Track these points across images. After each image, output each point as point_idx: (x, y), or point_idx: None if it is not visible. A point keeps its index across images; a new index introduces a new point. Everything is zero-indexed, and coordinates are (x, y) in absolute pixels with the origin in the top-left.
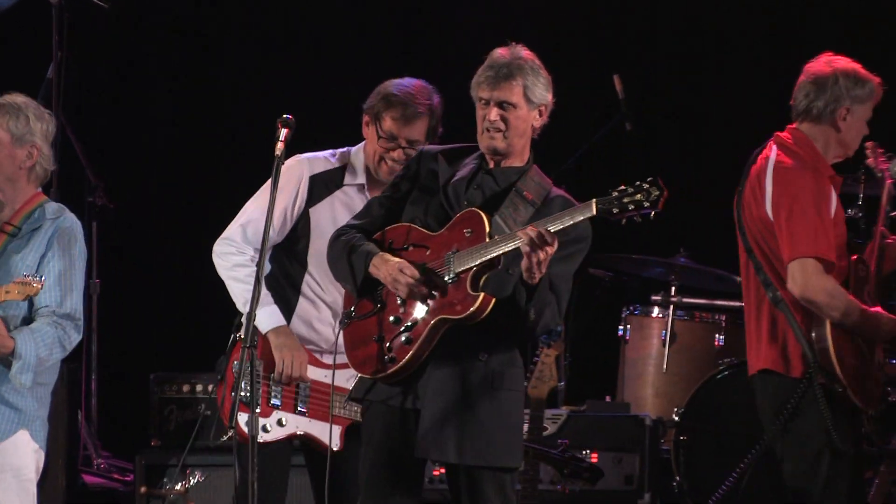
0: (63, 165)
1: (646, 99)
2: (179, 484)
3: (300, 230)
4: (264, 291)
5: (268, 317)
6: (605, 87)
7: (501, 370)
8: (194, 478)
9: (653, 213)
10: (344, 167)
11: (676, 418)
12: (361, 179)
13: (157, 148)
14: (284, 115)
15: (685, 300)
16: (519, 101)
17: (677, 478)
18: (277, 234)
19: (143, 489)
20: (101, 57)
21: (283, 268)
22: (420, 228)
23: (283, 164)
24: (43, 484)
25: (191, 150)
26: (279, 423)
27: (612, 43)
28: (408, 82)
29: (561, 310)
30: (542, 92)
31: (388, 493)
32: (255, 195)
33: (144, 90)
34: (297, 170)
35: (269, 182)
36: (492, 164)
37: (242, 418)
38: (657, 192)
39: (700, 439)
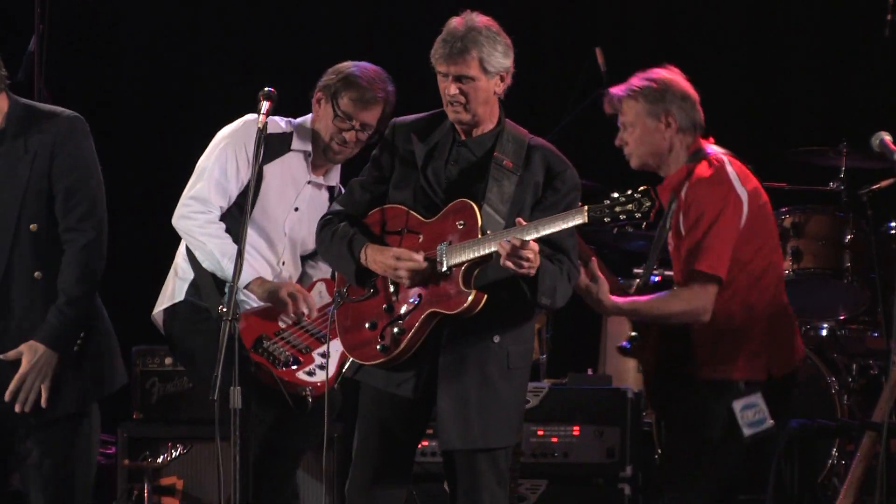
0: None
1: (628, 72)
2: (161, 457)
3: (251, 185)
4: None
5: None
6: (587, 60)
7: (513, 348)
8: (176, 451)
9: (644, 223)
10: (292, 133)
11: None
12: (308, 148)
13: (140, 122)
14: (266, 88)
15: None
16: (476, 73)
17: (659, 451)
18: (237, 190)
19: (125, 462)
20: (83, 30)
21: (229, 220)
22: (415, 214)
23: (265, 135)
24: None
25: (173, 124)
26: (321, 367)
27: (593, 15)
28: (367, 66)
29: (575, 263)
30: (500, 59)
31: (377, 474)
32: (207, 154)
33: (126, 64)
34: (254, 127)
35: (219, 138)
36: (463, 136)
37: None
38: (648, 204)
39: None
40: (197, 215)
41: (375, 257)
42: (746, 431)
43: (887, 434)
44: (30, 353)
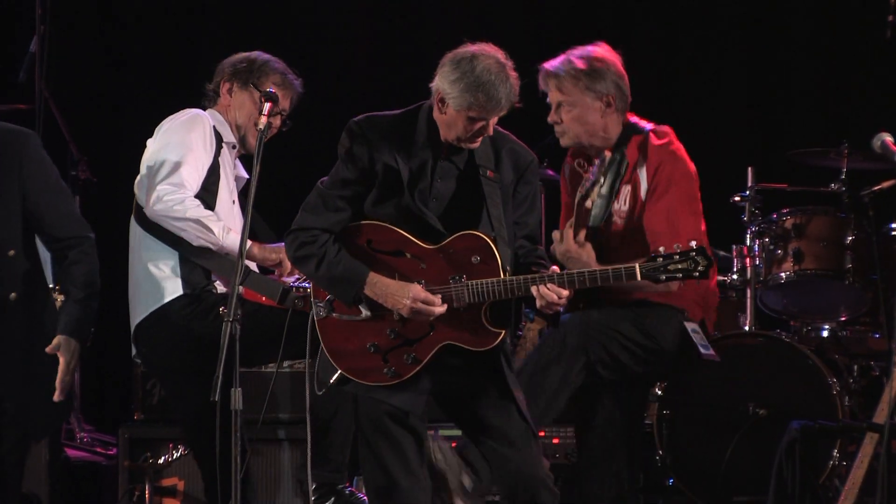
0: (46, 140)
1: (627, 70)
2: (162, 458)
3: (210, 178)
4: (222, 224)
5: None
6: None
7: (508, 348)
8: (178, 451)
9: (704, 279)
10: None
11: (659, 392)
12: (233, 140)
13: (141, 122)
14: (268, 90)
15: None
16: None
17: (660, 452)
18: (203, 178)
19: (126, 462)
20: (85, 30)
21: None
22: (411, 237)
23: (265, 138)
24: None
25: None
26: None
27: (594, 15)
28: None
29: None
30: None
31: (410, 472)
32: (170, 145)
33: (128, 64)
34: (206, 120)
35: (179, 131)
36: (445, 152)
37: None
38: (705, 263)
39: (683, 413)
40: (176, 196)
41: (386, 291)
42: (702, 351)
43: (888, 435)
44: (67, 347)
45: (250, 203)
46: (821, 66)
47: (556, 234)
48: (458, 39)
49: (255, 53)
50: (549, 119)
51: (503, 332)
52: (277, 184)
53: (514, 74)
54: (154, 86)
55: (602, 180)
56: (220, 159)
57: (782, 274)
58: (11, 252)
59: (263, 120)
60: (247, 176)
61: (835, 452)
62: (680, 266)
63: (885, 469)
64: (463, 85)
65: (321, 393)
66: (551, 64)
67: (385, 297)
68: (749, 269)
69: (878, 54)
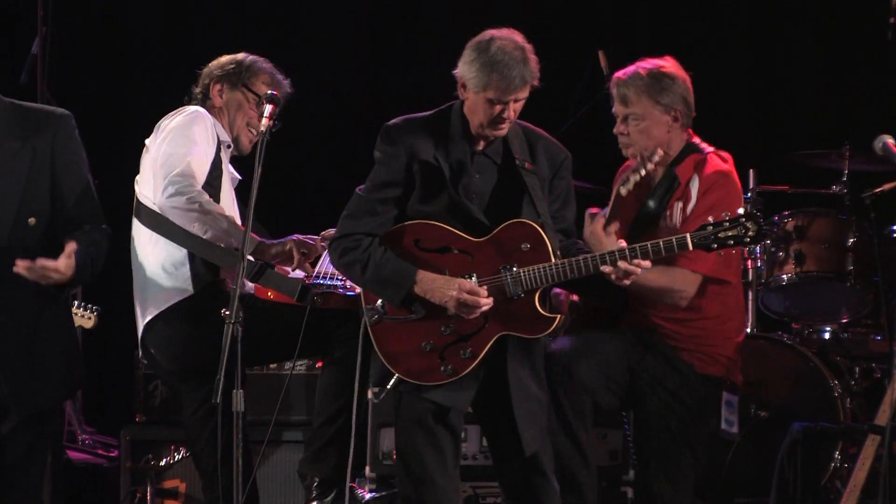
0: None
1: None
2: (164, 460)
3: (214, 173)
4: (232, 218)
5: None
6: (590, 63)
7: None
8: (179, 453)
9: (755, 245)
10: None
11: None
12: (229, 139)
13: (142, 124)
14: (269, 92)
15: None
16: (528, 92)
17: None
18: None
19: (128, 464)
20: (86, 32)
21: None
22: (458, 232)
23: (266, 139)
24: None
25: None
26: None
27: (596, 17)
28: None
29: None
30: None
31: (448, 473)
32: (175, 139)
33: (129, 66)
34: (207, 116)
35: (185, 127)
36: (481, 146)
37: None
38: (755, 228)
39: None
40: (188, 188)
41: (432, 286)
42: (723, 426)
43: (890, 437)
44: (68, 262)
45: (252, 202)
46: (822, 68)
47: (588, 215)
48: (457, 39)
49: (242, 55)
50: (616, 130)
51: (559, 316)
52: (273, 184)
53: (532, 57)
54: (155, 87)
55: (642, 171)
56: (220, 155)
57: (784, 276)
58: (32, 220)
59: (265, 122)
60: (239, 177)
61: (836, 454)
62: (730, 233)
63: (887, 471)
64: (479, 65)
65: (378, 401)
66: (620, 75)
67: (432, 293)
68: (751, 271)
69: (879, 56)
